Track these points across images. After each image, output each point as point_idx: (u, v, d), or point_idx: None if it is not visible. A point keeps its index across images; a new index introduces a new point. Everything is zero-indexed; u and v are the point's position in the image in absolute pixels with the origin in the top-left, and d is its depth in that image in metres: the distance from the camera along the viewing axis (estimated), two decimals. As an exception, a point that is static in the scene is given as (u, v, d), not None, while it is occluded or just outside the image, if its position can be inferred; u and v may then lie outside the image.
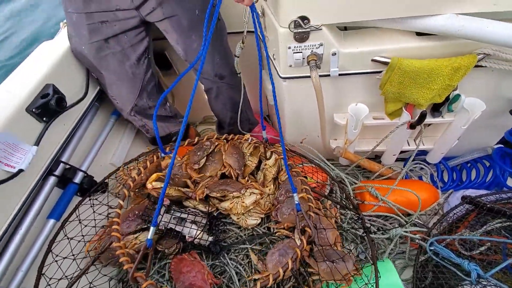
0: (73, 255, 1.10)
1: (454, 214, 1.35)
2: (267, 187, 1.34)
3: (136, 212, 1.26)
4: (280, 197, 1.39)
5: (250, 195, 1.33)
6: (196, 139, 1.29)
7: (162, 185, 1.23)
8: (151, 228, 0.74)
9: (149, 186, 1.13)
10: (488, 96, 1.21)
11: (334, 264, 1.06)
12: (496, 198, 1.28)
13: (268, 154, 1.40)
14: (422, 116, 1.14)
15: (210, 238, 1.28)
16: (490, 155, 1.53)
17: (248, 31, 1.20)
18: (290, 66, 1.14)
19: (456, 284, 1.14)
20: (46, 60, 1.12)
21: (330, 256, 1.10)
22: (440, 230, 1.34)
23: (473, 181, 1.53)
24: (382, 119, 1.33)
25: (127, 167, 1.30)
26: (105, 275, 1.20)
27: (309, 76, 1.10)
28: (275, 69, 1.23)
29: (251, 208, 1.33)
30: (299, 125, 1.50)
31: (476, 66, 1.06)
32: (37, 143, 1.00)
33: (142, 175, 1.22)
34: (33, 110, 0.99)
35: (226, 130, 1.58)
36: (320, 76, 1.14)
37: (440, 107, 1.25)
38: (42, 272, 0.97)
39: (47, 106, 1.01)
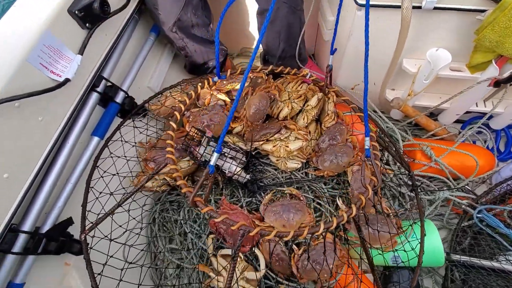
0: (117, 173, 1.10)
1: (508, 185, 1.27)
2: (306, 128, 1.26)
3: (175, 145, 1.22)
4: (322, 144, 1.32)
5: (295, 140, 1.26)
6: (239, 70, 1.15)
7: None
8: (215, 154, 0.69)
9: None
10: None
11: (378, 228, 1.03)
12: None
13: (313, 97, 1.27)
14: (518, 73, 0.97)
15: (248, 176, 1.26)
16: None
17: None
18: (375, -10, 0.93)
19: (497, 253, 1.12)
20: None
21: (372, 221, 1.06)
22: (489, 199, 1.28)
23: (534, 154, 1.40)
24: (460, 71, 1.15)
25: (170, 93, 1.22)
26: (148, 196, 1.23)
27: (395, 6, 0.90)
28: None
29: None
30: (357, 69, 1.33)
31: None
32: (81, 52, 0.90)
33: (170, 100, 1.13)
34: (76, 12, 0.86)
35: (274, 64, 1.41)
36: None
37: (537, 64, 1.05)
38: (91, 186, 0.98)
39: (90, 9, 0.88)
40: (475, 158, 1.20)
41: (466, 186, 1.28)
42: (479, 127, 1.44)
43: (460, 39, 1.05)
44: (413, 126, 1.50)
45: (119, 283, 0.89)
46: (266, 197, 1.12)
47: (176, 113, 0.88)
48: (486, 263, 1.06)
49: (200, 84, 0.99)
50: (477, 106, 1.30)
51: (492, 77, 1.06)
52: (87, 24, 0.91)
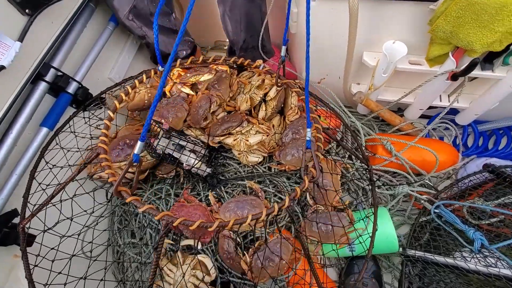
0: (69, 164, 1.08)
1: (470, 181, 1.26)
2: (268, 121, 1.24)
3: (127, 141, 1.20)
4: (286, 138, 1.30)
5: (255, 133, 1.24)
6: (200, 58, 1.13)
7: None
8: (139, 143, 0.67)
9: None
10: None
11: (331, 226, 1.02)
12: (523, 171, 1.16)
13: (272, 88, 1.25)
14: (472, 65, 0.95)
15: (208, 170, 1.25)
16: (530, 124, 1.36)
17: None
18: (324, -22, 0.91)
19: (453, 249, 1.11)
20: None
21: (325, 219, 1.05)
22: (449, 195, 1.27)
23: (500, 150, 1.39)
24: (419, 64, 1.13)
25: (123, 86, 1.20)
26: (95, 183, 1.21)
27: (345, -5, 0.88)
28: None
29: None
30: (320, 62, 1.31)
31: None
32: (20, 39, 0.88)
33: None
34: (12, -3, 0.84)
35: (237, 55, 1.39)
36: (359, -3, 0.91)
37: (495, 57, 1.03)
38: (34, 176, 0.96)
39: (28, -7, 0.86)
40: (434, 153, 1.19)
41: (427, 181, 1.27)
42: (445, 123, 1.43)
43: (416, 31, 1.03)
44: (380, 121, 1.49)
45: (53, 275, 0.88)
46: (210, 199, 1.10)
47: (116, 102, 0.86)
48: (440, 259, 1.05)
49: (140, 77, 0.97)
50: (441, 100, 1.28)
51: (449, 70, 1.04)
52: (26, 10, 0.88)
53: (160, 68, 0.97)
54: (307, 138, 0.82)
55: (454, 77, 1.05)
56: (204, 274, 1.05)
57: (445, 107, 1.29)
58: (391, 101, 1.31)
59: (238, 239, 1.13)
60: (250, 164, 1.29)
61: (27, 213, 0.91)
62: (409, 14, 1.00)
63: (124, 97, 0.88)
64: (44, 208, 0.87)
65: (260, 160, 1.28)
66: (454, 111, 1.41)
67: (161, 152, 1.17)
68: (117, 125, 1.31)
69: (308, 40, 0.76)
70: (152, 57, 1.48)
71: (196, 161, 1.20)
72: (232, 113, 1.32)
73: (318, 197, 1.15)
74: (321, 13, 1.07)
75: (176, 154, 1.18)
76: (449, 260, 1.03)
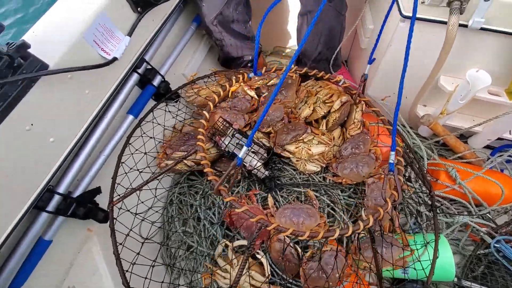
0: (146, 153, 1.16)
1: (533, 219, 1.22)
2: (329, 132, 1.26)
3: (185, 138, 1.27)
4: (345, 152, 1.32)
5: (318, 144, 1.27)
6: (272, 68, 1.17)
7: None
8: (244, 148, 0.72)
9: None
10: None
11: (385, 250, 1.02)
12: None
13: (337, 100, 1.26)
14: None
15: (266, 172, 1.29)
16: None
17: None
18: (423, 2, 0.92)
19: (509, 285, 1.09)
20: None
21: (379, 242, 1.05)
22: (508, 230, 1.24)
23: None
24: (498, 95, 1.12)
25: (205, 83, 1.27)
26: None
27: (441, 22, 0.89)
28: (397, 3, 1.01)
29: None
30: (391, 80, 1.32)
31: None
32: (130, 34, 0.96)
33: (206, 92, 1.18)
34: (130, -4, 0.92)
35: (308, 66, 1.42)
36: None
37: None
38: (122, 161, 1.04)
39: (143, -6, 0.94)
40: (502, 186, 1.17)
41: (487, 214, 1.24)
42: (509, 156, 1.39)
43: (503, 63, 1.02)
44: (440, 146, 1.47)
45: (136, 256, 0.94)
46: (269, 201, 1.14)
47: (210, 103, 0.92)
48: (499, 294, 1.03)
49: (235, 78, 1.02)
50: (510, 133, 1.26)
51: (532, 105, 1.03)
52: (138, 9, 0.96)
53: (251, 75, 1.03)
54: (390, 161, 0.84)
55: (536, 113, 1.03)
56: (261, 275, 1.09)
57: (514, 141, 1.26)
58: (457, 127, 1.29)
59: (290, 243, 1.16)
60: (307, 172, 1.32)
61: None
62: (498, 46, 0.99)
63: (217, 98, 0.94)
64: (136, 192, 0.94)
65: (318, 169, 1.30)
66: (521, 145, 1.37)
67: (227, 150, 1.23)
68: (185, 118, 1.39)
69: (405, 67, 0.78)
70: (219, 58, 1.55)
71: (259, 163, 1.25)
72: (294, 122, 1.36)
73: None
74: (406, 34, 1.08)
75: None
76: (510, 297, 1.01)
